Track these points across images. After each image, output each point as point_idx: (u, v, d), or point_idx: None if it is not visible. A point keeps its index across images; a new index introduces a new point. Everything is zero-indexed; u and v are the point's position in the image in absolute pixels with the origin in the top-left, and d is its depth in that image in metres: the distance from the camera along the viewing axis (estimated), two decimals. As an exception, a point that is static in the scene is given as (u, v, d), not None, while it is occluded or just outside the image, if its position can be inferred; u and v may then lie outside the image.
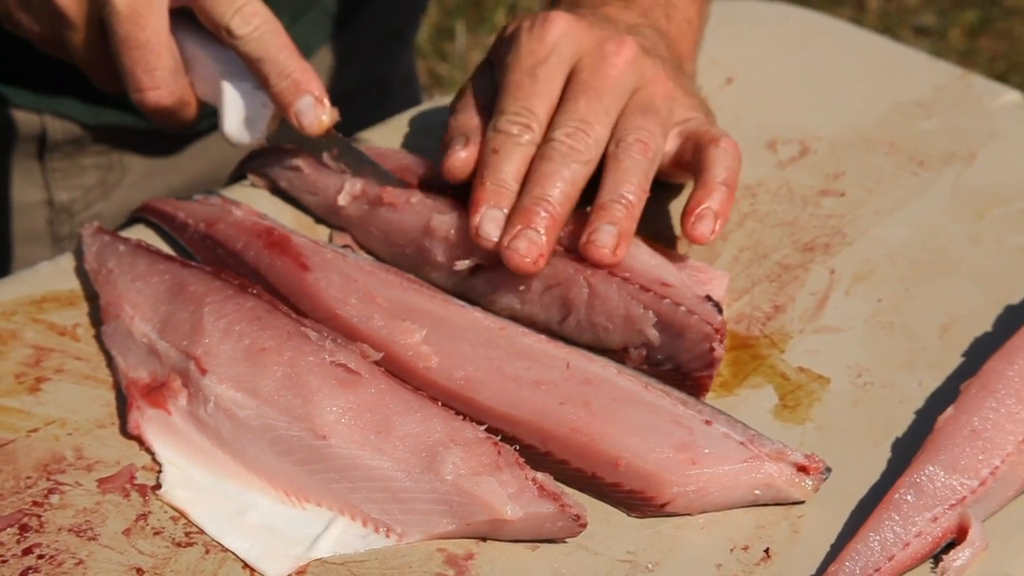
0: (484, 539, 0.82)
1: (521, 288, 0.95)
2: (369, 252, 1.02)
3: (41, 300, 0.98)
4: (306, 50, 1.33)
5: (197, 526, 0.83)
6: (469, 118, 1.02)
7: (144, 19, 0.99)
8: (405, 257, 1.00)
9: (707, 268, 0.98)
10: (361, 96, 1.34)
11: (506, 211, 0.96)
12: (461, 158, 0.99)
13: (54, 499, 0.84)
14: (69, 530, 0.82)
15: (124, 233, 1.02)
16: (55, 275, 1.01)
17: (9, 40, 1.17)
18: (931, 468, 0.83)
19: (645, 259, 0.95)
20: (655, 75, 1.01)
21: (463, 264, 0.97)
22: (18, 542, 0.82)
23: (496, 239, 0.95)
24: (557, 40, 1.00)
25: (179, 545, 0.82)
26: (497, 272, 0.96)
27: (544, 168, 0.96)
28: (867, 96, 1.22)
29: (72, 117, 1.26)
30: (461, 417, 0.84)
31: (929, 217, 1.08)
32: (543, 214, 0.94)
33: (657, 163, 0.99)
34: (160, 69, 1.01)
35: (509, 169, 0.97)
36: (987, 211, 1.08)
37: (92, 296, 0.98)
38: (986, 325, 0.97)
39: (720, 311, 0.91)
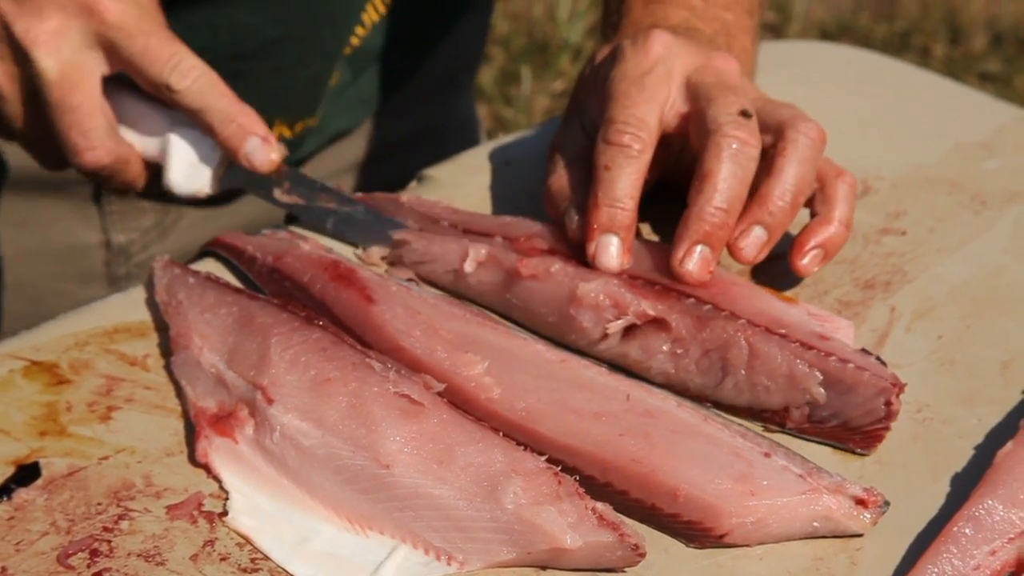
0: (544, 568, 0.83)
1: (678, 352, 0.94)
2: (503, 314, 1.02)
3: (113, 331, 1.00)
4: (367, 104, 1.35)
5: (262, 552, 0.84)
6: (563, 178, 1.03)
7: (74, 83, 1.02)
8: (548, 326, 0.99)
9: (831, 316, 0.98)
10: (419, 142, 1.36)
11: (623, 235, 0.96)
12: (577, 224, 0.99)
13: (124, 525, 0.86)
14: (138, 555, 0.84)
15: (193, 266, 1.04)
16: (126, 307, 1.03)
17: None
18: (990, 502, 0.83)
19: (795, 313, 0.95)
20: (757, 89, 1.03)
21: (616, 326, 0.96)
22: (88, 566, 0.83)
23: (615, 268, 0.96)
24: (662, 52, 1.00)
25: (245, 571, 0.83)
26: (650, 338, 0.95)
27: (718, 171, 0.95)
28: (929, 136, 1.23)
29: None
30: (522, 447, 0.85)
31: (990, 256, 1.08)
32: (720, 227, 0.95)
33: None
34: (95, 129, 1.03)
35: (623, 185, 0.96)
36: (1049, 250, 1.08)
37: (162, 327, 0.99)
38: (1047, 362, 0.97)
39: (884, 363, 0.91)
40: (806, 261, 0.99)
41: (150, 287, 1.03)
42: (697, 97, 0.99)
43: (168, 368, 0.96)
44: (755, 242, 0.97)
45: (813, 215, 1.00)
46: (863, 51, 1.41)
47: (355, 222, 1.07)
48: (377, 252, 1.06)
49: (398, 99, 1.39)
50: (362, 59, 1.32)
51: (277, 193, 1.07)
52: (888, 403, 0.89)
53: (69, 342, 0.99)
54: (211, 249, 1.08)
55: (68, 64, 1.01)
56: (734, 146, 0.95)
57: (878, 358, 0.91)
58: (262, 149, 1.04)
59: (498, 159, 1.19)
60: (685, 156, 1.03)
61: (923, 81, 1.35)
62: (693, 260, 0.95)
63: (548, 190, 1.03)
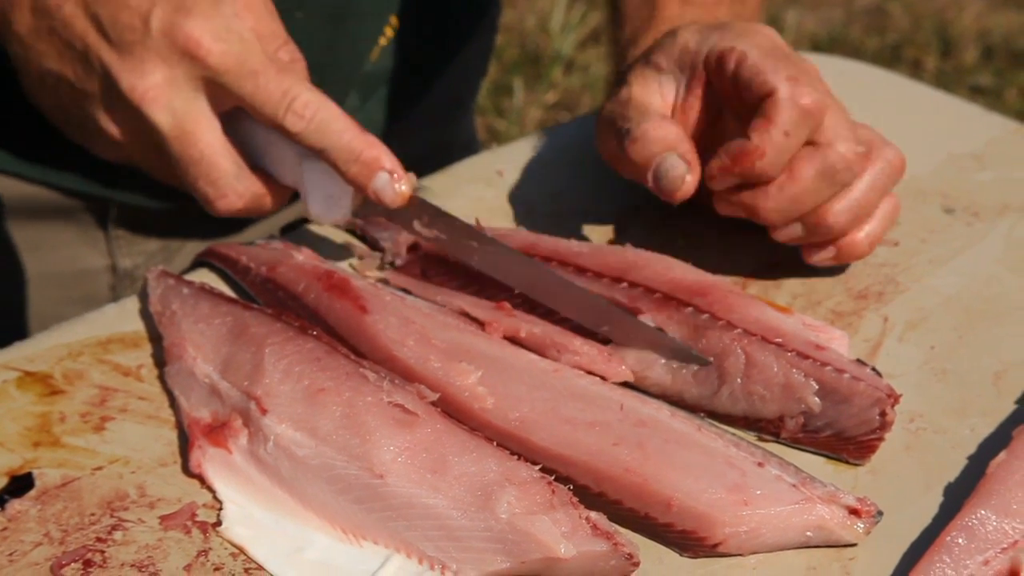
0: (538, 577, 0.83)
1: (675, 364, 0.95)
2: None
3: (107, 341, 1.00)
4: (376, 128, 1.35)
5: (256, 563, 0.84)
6: (663, 128, 1.02)
7: (192, 135, 0.98)
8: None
9: (825, 327, 0.98)
10: (424, 162, 1.36)
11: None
12: (689, 182, 1.00)
13: (117, 535, 0.86)
14: (132, 566, 0.84)
15: (187, 277, 1.04)
16: (120, 317, 1.03)
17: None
18: (983, 512, 0.83)
19: (790, 323, 0.96)
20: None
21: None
22: (81, 576, 0.83)
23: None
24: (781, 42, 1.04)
25: (238, 581, 0.84)
26: (647, 352, 0.96)
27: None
28: (922, 148, 1.23)
29: (140, 204, 1.28)
30: (516, 457, 0.85)
31: (983, 266, 1.08)
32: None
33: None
34: (222, 178, 0.99)
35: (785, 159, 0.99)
36: (1041, 261, 1.09)
37: (156, 338, 0.99)
38: (1039, 372, 0.98)
39: (879, 374, 0.92)
40: (817, 255, 1.04)
41: (144, 297, 1.03)
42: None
43: (162, 378, 0.97)
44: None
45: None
46: (855, 63, 1.41)
47: (497, 260, 1.02)
48: (372, 263, 1.07)
49: (404, 122, 1.39)
50: (371, 84, 1.32)
51: (417, 225, 1.02)
52: (883, 413, 0.89)
53: (63, 352, 0.99)
54: (205, 260, 1.08)
55: (182, 116, 0.97)
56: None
57: (873, 369, 0.91)
58: (390, 184, 0.99)
59: (491, 169, 1.19)
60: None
61: (915, 93, 1.35)
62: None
63: (634, 141, 1.02)
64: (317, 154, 0.99)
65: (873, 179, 1.00)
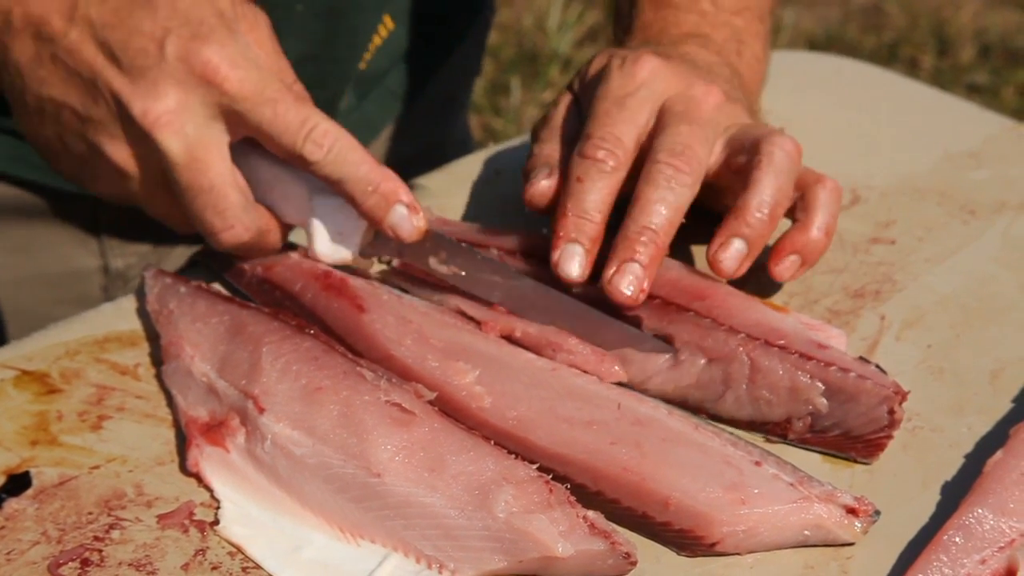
0: (535, 576, 0.83)
1: (678, 372, 0.95)
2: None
3: (104, 340, 1.00)
4: (372, 128, 1.35)
5: (254, 561, 0.84)
6: (552, 148, 1.03)
7: (203, 163, 0.95)
8: None
9: (823, 325, 0.98)
10: (417, 162, 1.36)
11: (587, 246, 0.96)
12: (542, 188, 1.00)
13: (115, 534, 0.86)
14: (129, 565, 0.84)
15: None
16: (117, 316, 1.03)
17: None
18: (980, 511, 0.83)
19: (789, 323, 0.96)
20: (742, 117, 1.03)
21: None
22: None
23: (576, 277, 0.96)
24: (647, 77, 1.01)
25: (236, 580, 0.84)
26: (649, 360, 0.95)
27: (648, 193, 0.96)
28: (918, 146, 1.23)
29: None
30: (513, 456, 0.85)
31: (979, 265, 1.08)
32: (647, 245, 0.95)
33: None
34: (230, 209, 0.96)
35: (593, 199, 0.97)
36: (1038, 259, 1.09)
37: (153, 336, 1.00)
38: (1036, 371, 0.98)
39: (884, 371, 0.92)
40: (780, 268, 1.00)
41: (141, 296, 1.03)
42: (659, 124, 1.00)
43: (159, 377, 0.97)
44: (735, 255, 0.98)
45: (794, 222, 1.01)
46: (852, 61, 1.41)
47: (522, 296, 1.00)
48: (369, 262, 1.07)
49: (400, 121, 1.39)
50: (367, 83, 1.32)
51: (433, 262, 1.00)
52: (891, 411, 0.89)
53: (60, 351, 0.99)
54: (200, 260, 1.08)
55: (194, 143, 0.94)
56: (667, 172, 0.97)
57: (877, 366, 0.91)
58: (407, 219, 0.97)
59: (489, 168, 1.19)
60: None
61: (912, 91, 1.35)
62: (623, 279, 0.95)
63: (529, 157, 1.04)
64: (333, 185, 0.97)
65: (773, 166, 0.98)
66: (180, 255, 1.31)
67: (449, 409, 0.90)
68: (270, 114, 0.95)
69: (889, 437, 0.90)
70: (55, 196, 1.24)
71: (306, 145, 0.95)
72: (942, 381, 0.97)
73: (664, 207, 0.96)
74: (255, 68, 0.95)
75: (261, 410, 0.89)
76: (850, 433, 0.90)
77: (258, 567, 0.84)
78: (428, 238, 0.99)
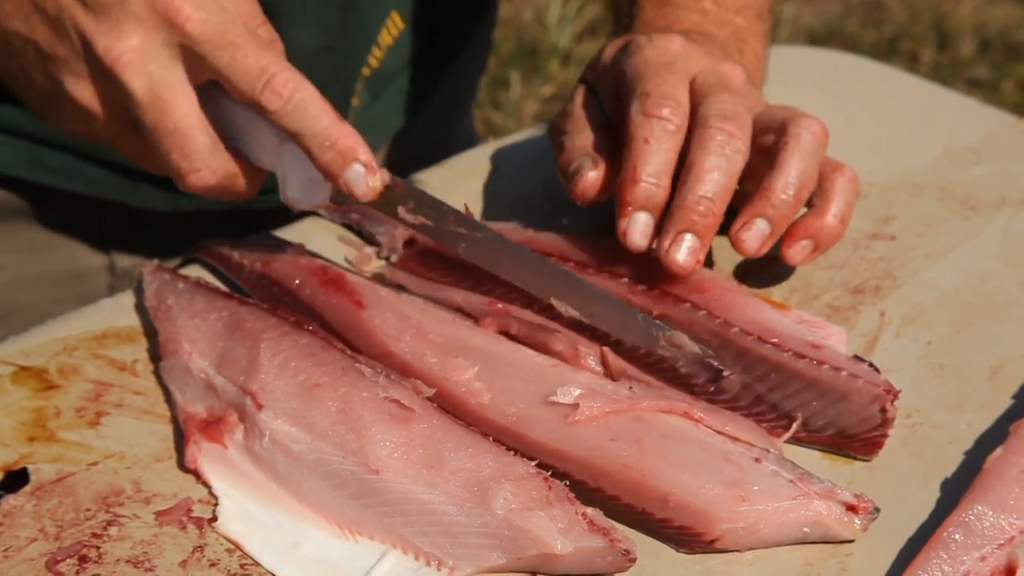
0: (534, 573, 0.83)
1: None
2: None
3: (102, 336, 1.00)
4: (385, 128, 1.35)
5: (252, 558, 0.84)
6: (585, 138, 1.02)
7: (168, 103, 0.94)
8: None
9: (823, 322, 0.98)
10: (424, 160, 1.35)
11: (656, 214, 0.96)
12: (591, 179, 0.99)
13: (113, 531, 0.86)
14: (127, 561, 0.84)
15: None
16: (116, 312, 1.03)
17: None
18: (980, 508, 0.83)
19: (787, 322, 0.96)
20: (758, 101, 1.03)
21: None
22: (77, 572, 0.83)
23: (644, 248, 0.96)
24: (679, 51, 1.02)
25: (234, 576, 0.84)
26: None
27: (703, 160, 0.96)
28: (919, 142, 1.23)
29: (146, 206, 1.27)
30: (512, 452, 0.85)
31: (980, 261, 1.08)
32: (705, 215, 0.94)
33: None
34: (197, 151, 0.95)
35: (660, 160, 0.96)
36: (1038, 255, 1.09)
37: (151, 332, 0.99)
38: (1036, 367, 0.98)
39: (877, 369, 0.92)
40: (793, 250, 0.99)
41: (139, 292, 1.02)
42: (695, 94, 1.00)
43: (157, 373, 0.96)
44: (757, 234, 0.97)
45: (809, 207, 1.01)
46: (852, 56, 1.41)
47: (487, 248, 0.99)
48: (367, 258, 1.06)
49: (410, 120, 1.39)
50: (379, 82, 1.31)
51: (401, 211, 0.99)
52: (883, 410, 0.89)
53: (58, 347, 0.99)
54: (197, 256, 1.08)
55: (157, 83, 0.93)
56: (719, 137, 0.96)
57: (871, 364, 0.91)
58: (363, 178, 0.94)
59: (488, 163, 1.19)
60: None
61: (912, 86, 1.35)
62: (680, 249, 0.95)
63: (563, 151, 1.03)
64: (291, 137, 0.95)
65: (800, 147, 0.98)
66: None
67: (448, 405, 0.90)
68: (228, 58, 0.93)
69: (884, 435, 0.90)
70: (66, 198, 1.24)
71: (264, 93, 0.93)
72: (942, 377, 0.97)
73: (719, 174, 0.96)
74: (219, 10, 0.93)
75: (259, 406, 0.89)
76: (845, 432, 0.90)
77: (256, 564, 0.84)
78: (395, 188, 0.97)
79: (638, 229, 0.96)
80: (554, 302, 0.96)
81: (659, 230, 0.97)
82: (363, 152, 0.94)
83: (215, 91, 0.97)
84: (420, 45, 1.33)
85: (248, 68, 0.93)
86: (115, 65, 0.93)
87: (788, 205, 0.98)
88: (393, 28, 1.28)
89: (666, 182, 0.97)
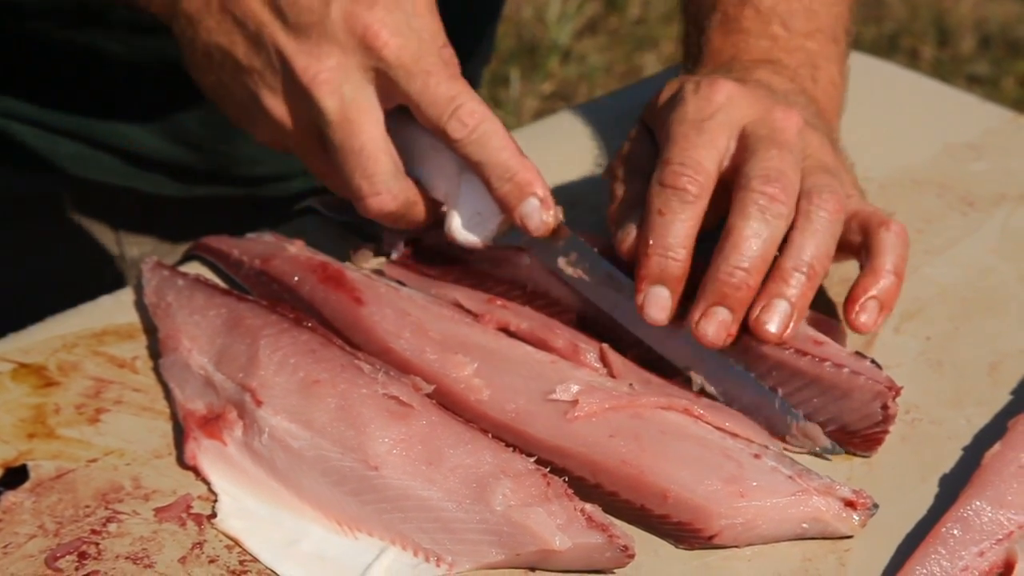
0: (533, 569, 0.83)
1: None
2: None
3: (102, 333, 1.00)
4: None
5: (251, 555, 0.84)
6: (636, 188, 0.98)
7: (357, 125, 0.96)
8: None
9: (825, 319, 0.98)
10: None
11: (673, 286, 0.93)
12: (633, 241, 0.95)
13: (112, 527, 0.86)
14: (126, 558, 0.84)
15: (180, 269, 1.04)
16: (115, 309, 1.03)
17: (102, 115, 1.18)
18: (978, 503, 0.83)
19: None
20: (821, 145, 0.99)
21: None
22: (76, 569, 0.83)
23: (663, 322, 0.93)
24: (724, 101, 0.97)
25: (233, 573, 0.83)
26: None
27: (741, 227, 0.91)
28: (918, 138, 1.23)
29: (160, 192, 1.27)
30: (511, 449, 0.85)
31: (979, 257, 1.08)
32: (739, 288, 0.91)
33: (841, 228, 0.95)
34: (379, 174, 0.97)
35: (677, 232, 0.92)
36: (1037, 251, 1.09)
37: (151, 329, 0.99)
38: (1035, 363, 0.98)
39: (879, 366, 0.91)
40: (864, 317, 0.94)
41: (139, 289, 1.02)
42: (743, 148, 0.96)
43: (157, 370, 0.96)
44: (780, 316, 0.92)
45: (861, 267, 0.97)
46: (852, 53, 1.41)
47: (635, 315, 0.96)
48: (366, 255, 1.06)
49: None
50: None
51: (561, 262, 0.99)
52: (885, 407, 0.89)
53: (57, 344, 0.99)
54: (196, 253, 1.08)
55: (350, 104, 0.95)
56: (761, 202, 0.92)
57: (873, 361, 0.91)
58: (538, 211, 0.96)
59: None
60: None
61: (911, 83, 1.35)
62: (711, 323, 0.91)
63: (612, 200, 1.00)
64: (472, 166, 0.97)
65: (811, 226, 0.94)
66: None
67: (447, 402, 0.90)
68: (421, 85, 0.95)
69: (885, 432, 0.90)
70: (77, 188, 1.24)
71: (451, 122, 0.95)
72: (941, 373, 0.97)
73: (758, 243, 0.91)
74: (416, 38, 0.96)
75: (259, 403, 0.89)
76: (846, 428, 0.90)
77: (255, 560, 0.84)
78: (561, 237, 0.98)
79: (654, 303, 0.93)
80: (692, 375, 0.94)
81: (685, 297, 0.94)
82: (540, 187, 0.96)
83: (400, 118, 0.98)
84: None
85: (438, 96, 0.95)
86: (311, 84, 0.95)
87: (804, 284, 0.92)
88: None
89: (683, 254, 0.93)
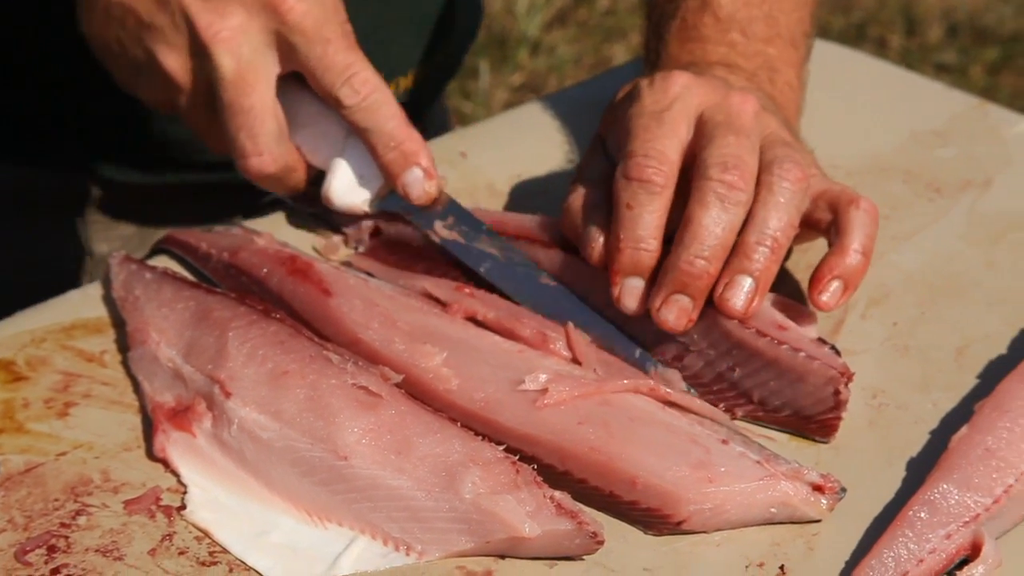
0: (503, 557, 0.83)
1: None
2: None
3: (70, 327, 1.00)
4: None
5: (221, 546, 0.84)
6: (583, 196, 0.98)
7: (250, 85, 0.98)
8: None
9: (796, 305, 0.97)
10: None
11: (647, 276, 0.93)
12: (602, 247, 0.95)
13: (81, 520, 0.86)
14: (96, 551, 0.84)
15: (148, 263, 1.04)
16: (84, 303, 1.02)
17: (71, 98, 1.17)
18: (945, 486, 0.84)
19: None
20: (778, 128, 0.99)
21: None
22: (46, 562, 0.83)
23: (640, 312, 0.93)
24: (680, 91, 0.96)
25: (203, 564, 0.83)
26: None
27: (700, 216, 0.91)
28: (884, 125, 1.23)
29: (127, 179, 1.27)
30: (480, 437, 0.86)
31: (945, 242, 1.09)
32: (699, 276, 0.91)
33: (808, 199, 0.96)
34: (264, 135, 1.00)
35: (645, 223, 0.92)
36: (1002, 236, 1.09)
37: (119, 323, 0.99)
38: (1001, 348, 0.98)
39: (838, 353, 0.91)
40: (826, 296, 0.94)
41: (107, 283, 1.02)
42: (701, 135, 0.95)
43: (125, 364, 0.96)
44: (744, 292, 0.92)
45: (830, 245, 0.97)
46: (820, 42, 1.41)
47: (511, 273, 1.00)
48: (335, 246, 1.06)
49: None
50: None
51: (438, 226, 1.02)
52: (836, 392, 0.89)
53: (26, 339, 0.99)
54: (164, 247, 1.08)
55: (246, 64, 0.98)
56: (719, 190, 0.91)
57: (833, 347, 0.92)
58: (421, 181, 1.01)
59: (454, 150, 1.19)
60: None
61: (879, 71, 1.36)
62: (671, 310, 0.91)
63: (566, 210, 0.99)
64: (360, 133, 1.00)
65: (774, 198, 0.93)
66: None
67: (416, 392, 0.90)
68: (320, 51, 0.98)
69: (838, 418, 0.90)
70: (41, 179, 1.24)
71: (343, 88, 0.99)
72: (907, 358, 0.97)
73: (718, 231, 0.91)
74: (319, 6, 0.98)
75: (227, 395, 0.89)
76: (800, 413, 0.91)
77: (225, 551, 0.84)
78: (441, 203, 1.02)
79: (630, 294, 0.93)
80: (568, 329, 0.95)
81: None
82: (425, 158, 1.01)
83: (287, 85, 1.01)
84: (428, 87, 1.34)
85: (335, 63, 0.99)
86: (211, 41, 0.97)
87: (768, 258, 0.92)
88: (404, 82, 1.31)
89: (654, 244, 0.92)
